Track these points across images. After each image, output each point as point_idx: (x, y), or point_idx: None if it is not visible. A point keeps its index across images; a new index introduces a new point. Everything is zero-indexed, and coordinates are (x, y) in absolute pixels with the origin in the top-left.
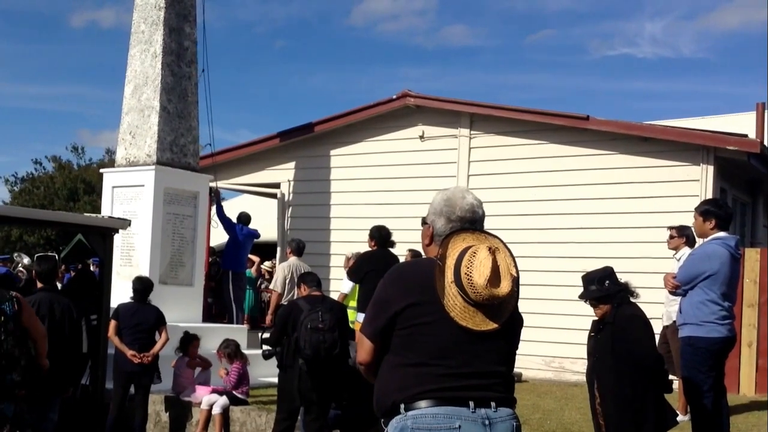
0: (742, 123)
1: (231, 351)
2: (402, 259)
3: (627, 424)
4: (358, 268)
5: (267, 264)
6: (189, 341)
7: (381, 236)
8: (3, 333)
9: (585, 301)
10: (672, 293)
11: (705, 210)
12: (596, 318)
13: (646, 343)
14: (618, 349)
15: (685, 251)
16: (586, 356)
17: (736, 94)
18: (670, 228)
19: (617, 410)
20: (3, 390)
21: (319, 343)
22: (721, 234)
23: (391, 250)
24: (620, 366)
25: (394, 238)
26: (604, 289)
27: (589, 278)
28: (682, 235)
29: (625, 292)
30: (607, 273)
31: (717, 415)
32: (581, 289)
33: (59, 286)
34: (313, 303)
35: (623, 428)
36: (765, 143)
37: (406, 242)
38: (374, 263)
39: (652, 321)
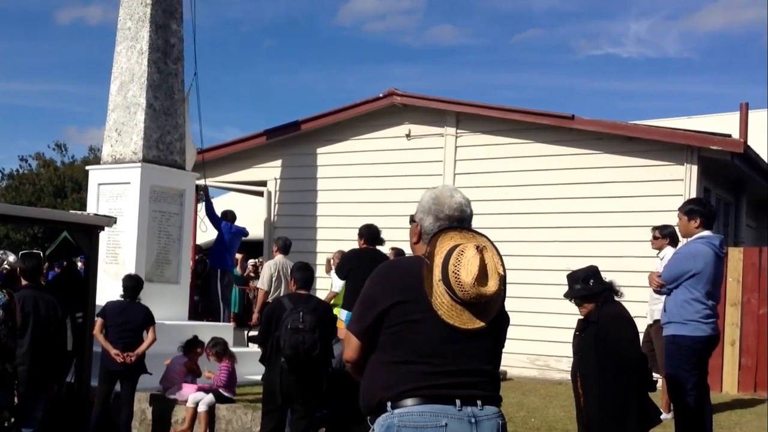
0: (726, 123)
1: (219, 350)
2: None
3: (609, 422)
4: (341, 266)
5: (251, 261)
6: (195, 346)
7: (369, 234)
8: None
9: (570, 300)
10: (657, 292)
11: (690, 209)
12: (582, 317)
13: (629, 342)
14: (601, 347)
15: (669, 250)
16: (571, 354)
17: (720, 94)
18: (654, 229)
19: (600, 408)
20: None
21: (298, 343)
22: (706, 233)
23: (379, 248)
24: (603, 364)
25: (382, 236)
26: (589, 288)
27: (573, 277)
28: (665, 235)
29: (609, 291)
30: (592, 272)
31: (700, 413)
32: (566, 288)
33: (44, 283)
34: (297, 302)
35: (605, 426)
36: (748, 143)
37: (393, 241)
38: (357, 261)
39: (636, 320)
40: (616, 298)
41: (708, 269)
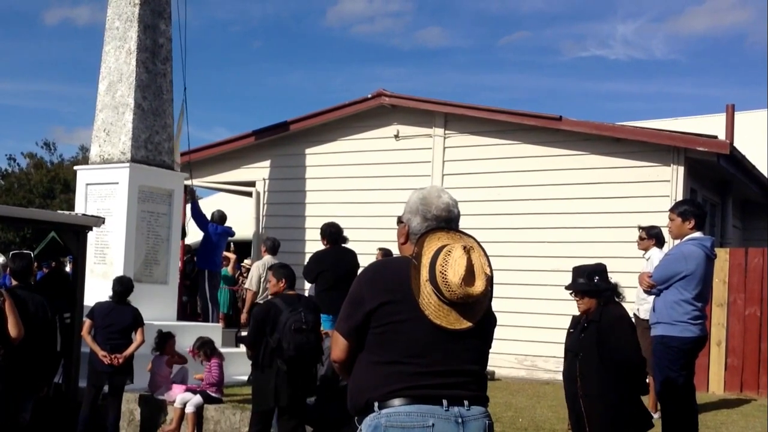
0: (712, 124)
1: (207, 350)
2: (362, 255)
3: (607, 425)
4: (309, 269)
5: (246, 262)
6: (165, 340)
7: (331, 234)
8: None
9: (570, 293)
10: (647, 292)
11: (684, 210)
12: (576, 315)
13: (632, 345)
14: (604, 348)
15: (655, 251)
16: (563, 353)
17: (706, 95)
18: (640, 228)
19: (601, 410)
20: None
21: (303, 344)
22: (698, 234)
23: (344, 246)
24: (606, 366)
25: (347, 234)
26: (592, 284)
27: (579, 270)
28: (651, 236)
29: (612, 291)
30: (599, 269)
31: (688, 413)
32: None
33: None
34: (292, 303)
35: (606, 428)
36: (734, 144)
37: (381, 241)
38: (325, 263)
39: None
40: (617, 300)
41: (699, 271)
